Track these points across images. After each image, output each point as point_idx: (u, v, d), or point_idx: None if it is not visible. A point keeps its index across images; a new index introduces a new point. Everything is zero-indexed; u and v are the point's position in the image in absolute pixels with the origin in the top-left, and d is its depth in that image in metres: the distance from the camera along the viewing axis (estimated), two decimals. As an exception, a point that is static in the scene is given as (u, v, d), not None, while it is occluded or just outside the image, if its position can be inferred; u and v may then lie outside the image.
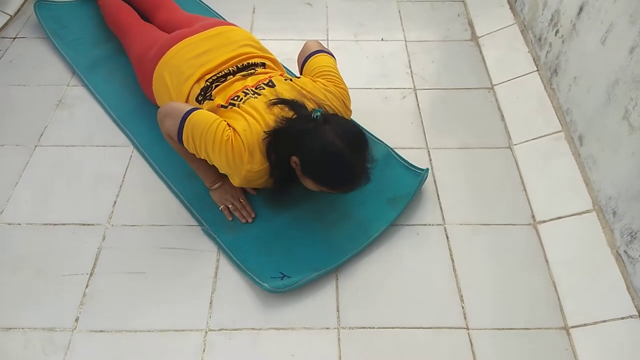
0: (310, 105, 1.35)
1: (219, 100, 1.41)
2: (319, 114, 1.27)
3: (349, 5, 2.24)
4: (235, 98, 1.39)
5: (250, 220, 1.44)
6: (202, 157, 1.35)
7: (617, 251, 1.28)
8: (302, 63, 1.54)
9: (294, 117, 1.30)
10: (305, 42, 1.60)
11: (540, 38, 1.79)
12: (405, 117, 1.76)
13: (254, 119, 1.33)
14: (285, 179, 1.37)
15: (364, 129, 1.66)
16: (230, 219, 1.44)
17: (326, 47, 1.60)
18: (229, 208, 1.45)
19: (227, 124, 1.32)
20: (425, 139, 1.69)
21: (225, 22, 1.71)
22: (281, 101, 1.33)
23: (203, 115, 1.32)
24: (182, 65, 1.50)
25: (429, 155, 1.64)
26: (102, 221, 1.44)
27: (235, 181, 1.38)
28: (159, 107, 1.61)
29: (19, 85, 1.83)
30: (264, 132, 1.30)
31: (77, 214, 1.46)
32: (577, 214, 1.41)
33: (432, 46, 2.05)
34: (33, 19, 2.08)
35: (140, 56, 1.67)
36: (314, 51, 1.54)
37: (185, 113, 1.33)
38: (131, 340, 1.22)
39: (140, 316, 1.26)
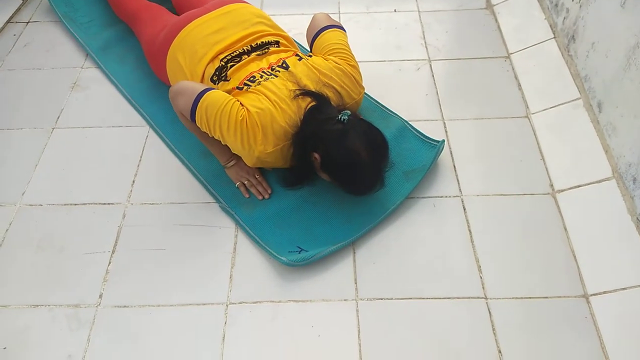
0: (330, 95, 1.36)
1: (234, 82, 1.42)
2: (346, 117, 1.28)
3: (360, -23, 2.20)
4: (251, 79, 1.39)
5: (267, 196, 1.45)
6: (216, 137, 1.36)
7: (637, 218, 1.26)
8: (312, 39, 1.54)
9: (319, 114, 1.31)
10: (313, 15, 1.59)
11: (557, 4, 1.74)
12: (420, 89, 1.74)
13: (268, 100, 1.33)
14: (304, 170, 1.40)
15: (378, 102, 1.66)
16: (247, 195, 1.45)
17: (335, 19, 1.59)
18: (245, 185, 1.46)
19: (241, 103, 1.32)
20: (441, 110, 1.67)
21: (237, 0, 1.69)
22: (305, 93, 1.33)
23: (217, 95, 1.33)
24: (195, 44, 1.50)
25: (445, 126, 1.62)
26: (122, 200, 1.47)
27: (249, 162, 1.39)
28: None
29: (34, 69, 1.85)
30: (291, 129, 1.32)
31: (97, 193, 1.48)
32: (596, 181, 1.39)
33: (446, 16, 2.01)
34: (45, 3, 2.09)
35: (151, 39, 1.67)
36: (324, 27, 1.53)
37: (199, 93, 1.34)
38: (154, 315, 1.25)
39: (162, 291, 1.29)
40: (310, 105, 1.33)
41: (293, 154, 1.35)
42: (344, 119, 1.28)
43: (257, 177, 1.46)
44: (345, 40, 1.52)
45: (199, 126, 1.36)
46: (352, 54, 1.48)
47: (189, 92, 1.36)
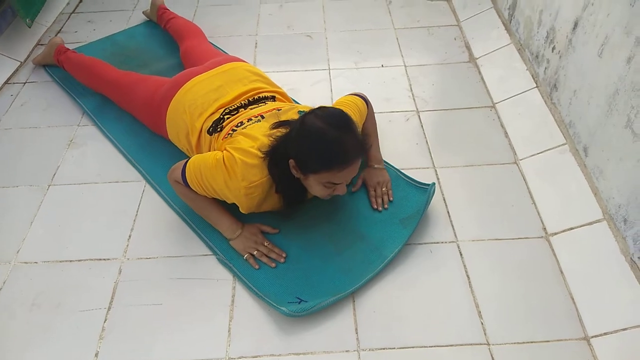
0: None
1: (225, 131, 1.46)
2: (302, 113, 1.32)
3: (347, 36, 2.30)
4: (239, 125, 1.44)
5: (282, 260, 1.42)
6: (209, 192, 1.38)
7: (631, 258, 1.28)
8: None
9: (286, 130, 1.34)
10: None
11: (538, 55, 1.83)
12: (410, 139, 1.79)
13: (246, 137, 1.37)
14: (293, 191, 1.39)
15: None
16: (257, 267, 1.40)
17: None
18: (253, 256, 1.43)
19: (225, 149, 1.37)
20: (432, 158, 1.71)
21: (231, 58, 1.76)
22: (280, 123, 1.36)
23: (198, 155, 1.42)
24: (196, 100, 1.55)
25: (437, 174, 1.66)
26: (118, 255, 1.46)
27: (243, 206, 1.38)
28: (172, 142, 1.68)
29: (30, 127, 1.88)
30: (261, 151, 1.33)
31: (93, 249, 1.47)
32: (588, 224, 1.42)
33: (431, 69, 2.10)
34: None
35: (146, 100, 1.71)
36: (347, 94, 1.62)
37: (186, 161, 1.41)
38: (152, 372, 1.22)
39: (160, 348, 1.26)
40: None
41: (272, 173, 1.34)
42: (300, 115, 1.33)
43: (266, 244, 1.44)
44: (357, 101, 1.57)
45: (192, 187, 1.40)
46: (356, 110, 1.53)
47: (179, 165, 1.44)
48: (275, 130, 1.35)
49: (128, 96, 1.81)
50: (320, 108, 1.33)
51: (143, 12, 2.43)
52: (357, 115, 1.52)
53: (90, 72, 1.92)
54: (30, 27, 2.18)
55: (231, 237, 1.45)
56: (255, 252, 1.43)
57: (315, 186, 1.33)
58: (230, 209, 1.46)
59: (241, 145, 1.35)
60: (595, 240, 1.39)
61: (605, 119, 1.41)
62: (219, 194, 1.38)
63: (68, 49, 2.03)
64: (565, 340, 1.25)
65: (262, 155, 1.33)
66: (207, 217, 1.47)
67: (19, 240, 1.50)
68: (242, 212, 1.41)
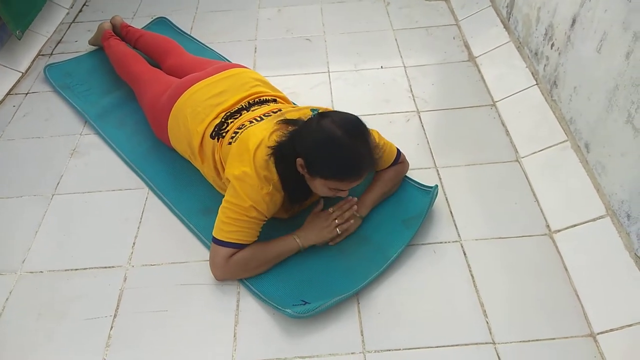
0: None
1: (228, 136, 1.45)
2: (315, 112, 1.31)
3: (346, 38, 2.31)
4: (240, 127, 1.43)
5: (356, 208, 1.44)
6: (251, 222, 1.34)
7: (635, 254, 1.28)
8: None
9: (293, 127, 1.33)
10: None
11: (537, 52, 1.83)
12: (411, 139, 1.79)
13: (243, 142, 1.36)
14: (298, 188, 1.37)
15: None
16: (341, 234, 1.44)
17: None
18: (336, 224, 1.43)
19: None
20: (433, 158, 1.71)
21: (235, 65, 1.77)
22: (286, 121, 1.36)
23: (217, 223, 1.37)
24: (197, 106, 1.55)
25: (438, 174, 1.66)
26: (123, 263, 1.46)
27: (271, 211, 1.36)
28: (173, 149, 1.67)
29: (33, 137, 1.89)
30: (268, 147, 1.32)
31: (98, 257, 1.48)
32: (591, 220, 1.42)
33: (430, 69, 2.10)
34: (43, 75, 2.16)
35: (153, 101, 1.72)
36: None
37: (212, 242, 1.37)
38: (159, 379, 1.22)
39: (166, 354, 1.27)
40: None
41: (278, 169, 1.33)
42: (313, 115, 1.31)
43: (333, 212, 1.44)
44: (392, 147, 1.53)
45: (233, 238, 1.34)
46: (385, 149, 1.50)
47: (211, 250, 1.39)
48: (281, 126, 1.34)
49: (141, 92, 1.82)
50: (336, 112, 1.32)
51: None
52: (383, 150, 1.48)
53: (119, 62, 1.99)
54: (20, 39, 2.17)
55: (302, 244, 1.42)
56: (335, 230, 1.42)
57: (320, 187, 1.32)
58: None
59: (241, 159, 1.33)
60: (598, 236, 1.38)
61: (605, 115, 1.40)
62: (257, 207, 1.32)
63: (112, 35, 2.11)
64: (571, 338, 1.24)
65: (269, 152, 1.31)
66: (270, 254, 1.40)
67: (24, 250, 1.51)
68: (267, 217, 1.37)
